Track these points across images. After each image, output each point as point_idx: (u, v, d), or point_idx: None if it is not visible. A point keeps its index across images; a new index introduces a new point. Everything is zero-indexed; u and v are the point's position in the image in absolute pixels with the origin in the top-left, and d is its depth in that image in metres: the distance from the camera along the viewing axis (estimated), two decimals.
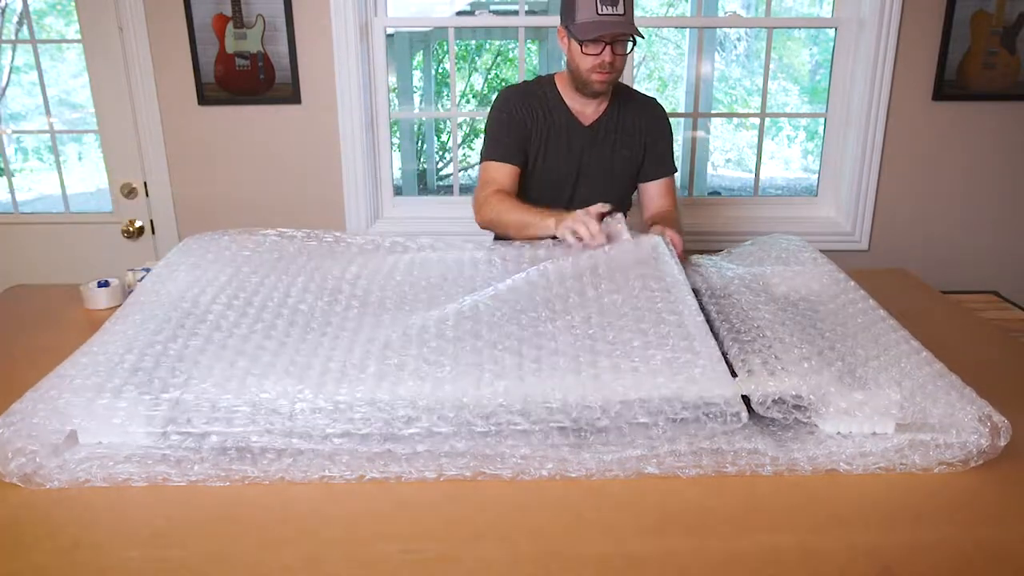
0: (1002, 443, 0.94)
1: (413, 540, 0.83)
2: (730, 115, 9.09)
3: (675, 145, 1.91)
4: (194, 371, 1.01)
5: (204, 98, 2.39)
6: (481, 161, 1.77)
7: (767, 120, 3.08)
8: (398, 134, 6.32)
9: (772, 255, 1.46)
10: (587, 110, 1.76)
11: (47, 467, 0.92)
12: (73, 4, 2.32)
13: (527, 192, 1.76)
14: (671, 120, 1.83)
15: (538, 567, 0.80)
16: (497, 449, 0.95)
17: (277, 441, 0.94)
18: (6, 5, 2.81)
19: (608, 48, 1.61)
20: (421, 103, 7.49)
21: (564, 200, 1.79)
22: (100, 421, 0.94)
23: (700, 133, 6.43)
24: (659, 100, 1.85)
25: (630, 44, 1.66)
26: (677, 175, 1.88)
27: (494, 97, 1.80)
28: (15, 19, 2.98)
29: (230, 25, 2.32)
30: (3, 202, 2.63)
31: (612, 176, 1.80)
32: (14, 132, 3.14)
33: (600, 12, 1.59)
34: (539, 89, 1.78)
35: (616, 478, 0.94)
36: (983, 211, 2.53)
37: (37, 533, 0.84)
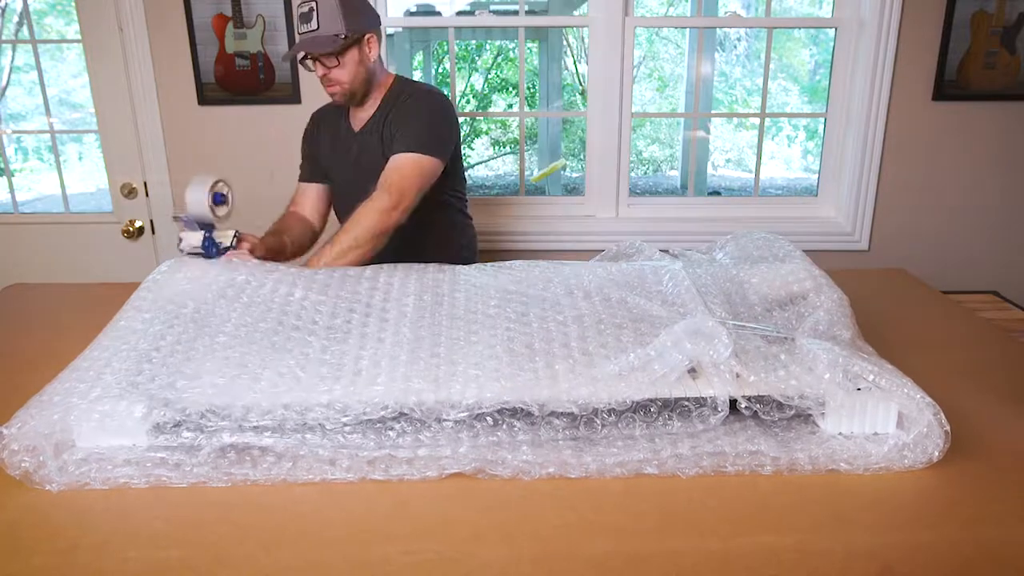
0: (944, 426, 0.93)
1: (413, 541, 0.83)
2: (730, 115, 9.09)
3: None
4: (202, 369, 1.01)
5: (204, 98, 2.39)
6: None
7: (767, 120, 3.08)
8: None
9: (751, 252, 1.44)
10: (361, 115, 1.77)
11: (49, 467, 0.92)
12: (73, 4, 2.32)
13: (337, 202, 1.86)
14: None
15: (538, 567, 0.80)
16: (498, 453, 0.95)
17: (288, 440, 0.94)
18: (6, 5, 2.81)
19: (318, 63, 1.62)
20: None
21: (358, 204, 1.74)
22: (109, 423, 0.94)
23: (700, 133, 6.42)
24: (442, 91, 1.81)
25: (351, 52, 1.62)
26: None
27: None
28: (15, 19, 2.98)
29: (230, 25, 2.32)
30: (3, 202, 2.63)
31: None
32: (14, 132, 3.14)
33: (299, 30, 1.59)
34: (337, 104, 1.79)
35: (617, 478, 0.94)
36: (983, 211, 2.53)
37: (36, 535, 0.84)
